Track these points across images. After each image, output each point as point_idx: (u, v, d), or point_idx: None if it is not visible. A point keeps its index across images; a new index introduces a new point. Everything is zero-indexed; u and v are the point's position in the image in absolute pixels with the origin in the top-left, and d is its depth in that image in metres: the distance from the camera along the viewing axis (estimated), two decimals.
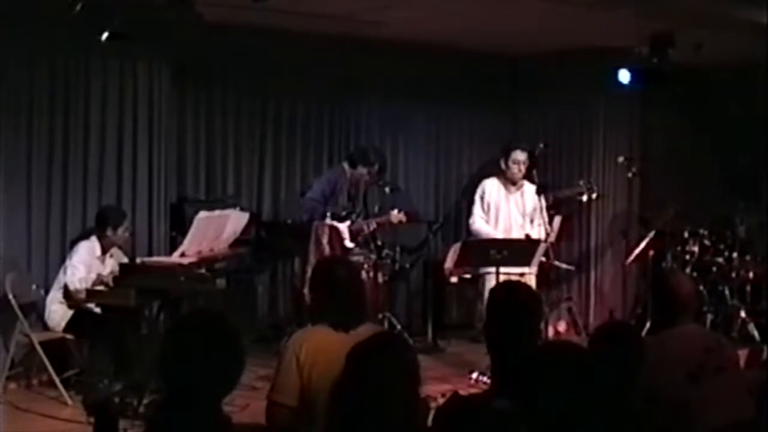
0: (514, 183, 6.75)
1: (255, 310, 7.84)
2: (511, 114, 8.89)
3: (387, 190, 7.55)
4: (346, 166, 7.24)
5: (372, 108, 8.46)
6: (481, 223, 6.69)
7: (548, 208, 6.93)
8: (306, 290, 3.74)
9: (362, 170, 7.12)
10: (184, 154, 7.60)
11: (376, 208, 7.51)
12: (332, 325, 3.43)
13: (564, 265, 7.29)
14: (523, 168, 6.69)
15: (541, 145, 7.52)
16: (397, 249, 7.78)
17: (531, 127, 8.68)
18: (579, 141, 8.60)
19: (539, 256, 6.43)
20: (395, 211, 7.14)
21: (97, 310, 5.93)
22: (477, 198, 6.81)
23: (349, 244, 7.09)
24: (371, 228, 7.15)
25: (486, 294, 6.30)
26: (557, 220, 7.41)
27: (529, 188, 6.81)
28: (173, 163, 7.35)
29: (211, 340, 2.41)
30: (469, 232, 7.01)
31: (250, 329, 7.41)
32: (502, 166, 6.72)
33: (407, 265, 8.22)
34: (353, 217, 7.16)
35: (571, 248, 8.54)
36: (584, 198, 7.63)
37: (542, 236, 6.65)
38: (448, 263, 6.43)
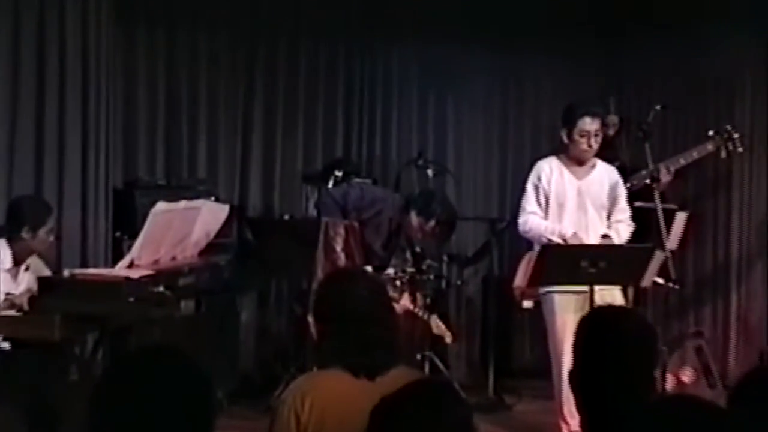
0: (581, 163, 6.70)
1: (237, 347, 7.87)
2: (612, 64, 8.83)
3: (430, 172, 7.53)
4: (397, 197, 7.42)
5: (408, 54, 8.45)
6: (535, 221, 6.63)
7: (662, 195, 6.82)
8: (311, 317, 3.72)
9: (414, 219, 7.24)
10: (135, 121, 7.63)
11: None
12: (349, 368, 3.44)
13: (660, 280, 7.15)
14: (594, 142, 6.62)
15: (657, 108, 7.45)
16: (444, 258, 7.77)
17: (642, 81, 8.60)
18: (714, 101, 8.50)
19: (654, 270, 6.36)
20: None
21: (5, 345, 5.94)
22: (529, 187, 6.73)
23: (376, 249, 7.19)
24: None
25: (554, 323, 6.38)
26: (680, 217, 7.33)
27: (604, 169, 6.75)
28: (118, 134, 7.38)
29: (166, 390, 2.40)
30: (527, 240, 6.93)
31: (229, 374, 7.46)
32: (564, 139, 6.66)
33: (458, 283, 8.23)
34: (389, 272, 7.24)
35: (703, 258, 8.48)
36: (723, 154, 7.53)
37: (624, 238, 6.64)
38: (519, 280, 6.39)
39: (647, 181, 6.88)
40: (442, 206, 7.43)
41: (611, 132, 7.48)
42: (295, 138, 8.18)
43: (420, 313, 7.21)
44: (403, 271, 7.24)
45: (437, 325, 7.24)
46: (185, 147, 7.84)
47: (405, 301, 7.13)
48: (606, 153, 6.91)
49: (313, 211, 7.70)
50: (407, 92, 8.45)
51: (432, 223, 7.26)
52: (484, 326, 8.40)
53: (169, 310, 5.89)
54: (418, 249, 7.54)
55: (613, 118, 7.64)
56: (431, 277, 7.62)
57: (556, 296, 6.44)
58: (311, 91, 8.21)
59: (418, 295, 7.34)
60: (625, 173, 7.02)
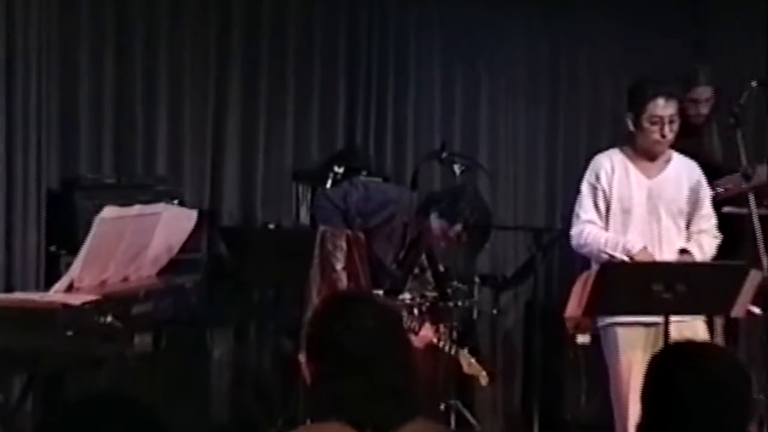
0: (652, 158, 6.69)
1: (207, 393, 7.91)
2: (699, 31, 8.85)
3: (456, 168, 7.60)
4: (414, 197, 7.38)
5: (429, 16, 8.51)
6: (593, 232, 6.62)
7: (757, 196, 6.80)
8: (302, 356, 3.67)
9: (435, 222, 7.19)
10: (75, 103, 7.64)
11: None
12: (351, 421, 3.41)
13: (756, 309, 7.15)
14: (668, 131, 6.62)
15: (754, 84, 7.41)
16: (476, 280, 7.76)
17: (735, 51, 8.59)
18: None
19: (748, 295, 6.31)
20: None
21: None
22: (585, 188, 6.73)
23: (388, 265, 7.21)
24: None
25: (618, 363, 6.39)
26: None
27: (681, 164, 6.73)
28: (54, 120, 7.39)
29: None
30: (583, 257, 6.92)
31: (198, 428, 7.48)
32: (630, 127, 6.65)
33: (494, 311, 8.25)
34: (405, 297, 7.25)
35: None
36: None
37: (708, 254, 6.64)
38: (573, 309, 6.34)
39: (744, 185, 6.83)
40: (472, 206, 7.35)
41: (704, 111, 7.42)
42: (283, 125, 8.22)
43: (446, 348, 7.15)
44: (423, 296, 7.24)
45: (469, 362, 7.18)
46: (140, 136, 7.85)
47: (427, 331, 7.09)
48: (688, 143, 6.86)
49: (306, 219, 7.70)
50: (427, 66, 8.48)
51: (458, 227, 7.19)
52: (526, 367, 8.46)
53: (120, 347, 5.85)
54: (441, 268, 7.55)
55: (706, 91, 7.54)
56: (458, 303, 7.63)
57: (620, 329, 6.45)
58: (304, 64, 8.25)
59: (442, 327, 7.31)
60: (712, 173, 6.97)
